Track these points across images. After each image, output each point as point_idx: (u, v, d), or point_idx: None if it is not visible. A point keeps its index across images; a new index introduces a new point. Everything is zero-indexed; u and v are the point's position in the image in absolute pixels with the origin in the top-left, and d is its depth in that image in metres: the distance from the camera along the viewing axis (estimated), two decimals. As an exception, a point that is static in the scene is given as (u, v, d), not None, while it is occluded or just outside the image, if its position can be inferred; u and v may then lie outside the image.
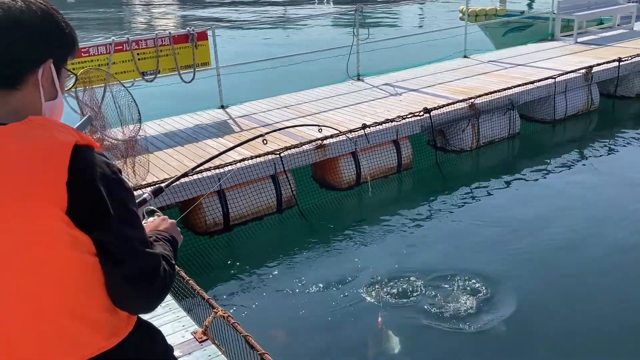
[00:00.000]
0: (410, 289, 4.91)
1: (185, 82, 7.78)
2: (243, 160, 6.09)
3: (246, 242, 6.07)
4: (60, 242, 1.34)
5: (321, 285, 5.08)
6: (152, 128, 7.52)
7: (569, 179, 7.25)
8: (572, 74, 8.99)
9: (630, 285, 4.93)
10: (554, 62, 10.02)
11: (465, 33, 10.99)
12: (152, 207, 1.98)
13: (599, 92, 9.55)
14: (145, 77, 7.49)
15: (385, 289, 4.93)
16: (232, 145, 6.63)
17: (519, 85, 8.35)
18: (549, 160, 7.88)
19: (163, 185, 2.38)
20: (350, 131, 6.84)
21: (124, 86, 6.03)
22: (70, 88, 1.48)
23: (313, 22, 21.78)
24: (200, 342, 3.34)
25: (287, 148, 6.37)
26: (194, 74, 7.80)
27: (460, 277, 5.02)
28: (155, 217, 1.88)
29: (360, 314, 4.63)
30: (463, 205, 6.61)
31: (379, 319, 4.41)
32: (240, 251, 5.98)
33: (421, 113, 7.38)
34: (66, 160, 1.33)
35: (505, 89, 8.17)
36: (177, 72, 7.67)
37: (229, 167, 5.97)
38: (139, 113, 5.98)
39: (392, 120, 7.14)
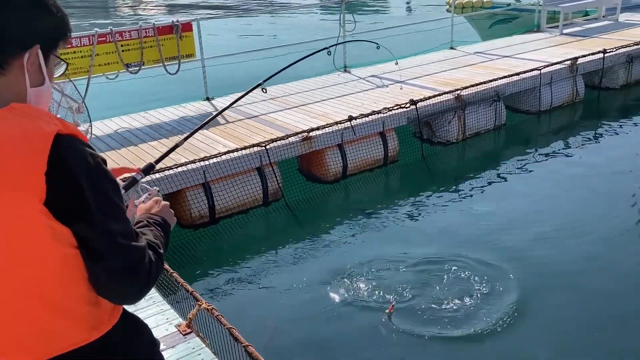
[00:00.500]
0: (397, 281, 4.92)
1: (170, 73, 7.71)
2: (228, 152, 6.06)
3: (232, 234, 6.05)
4: (38, 233, 1.31)
5: (306, 277, 5.08)
6: (136, 120, 7.46)
7: (555, 169, 7.29)
8: (558, 65, 9.03)
9: (616, 275, 4.96)
10: (539, 53, 10.05)
11: (452, 24, 10.99)
12: (146, 186, 1.92)
13: (584, 83, 9.60)
14: (130, 69, 7.41)
15: (370, 282, 4.93)
16: (219, 138, 6.63)
17: (505, 77, 8.37)
18: (534, 151, 7.92)
19: (153, 162, 2.26)
20: (336, 123, 6.82)
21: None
22: (61, 75, 1.45)
23: (299, 13, 21.71)
24: (184, 335, 3.33)
25: (272, 140, 6.34)
26: (179, 66, 7.73)
27: (448, 269, 5.04)
28: (147, 196, 1.82)
29: (344, 306, 4.63)
30: (449, 198, 6.63)
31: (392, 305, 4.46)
32: (225, 244, 5.96)
33: (407, 105, 7.37)
34: (46, 150, 1.30)
35: (491, 81, 8.19)
36: (161, 64, 7.60)
37: (214, 160, 5.94)
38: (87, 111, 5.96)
39: (378, 112, 7.13)
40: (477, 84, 8.02)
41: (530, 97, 8.93)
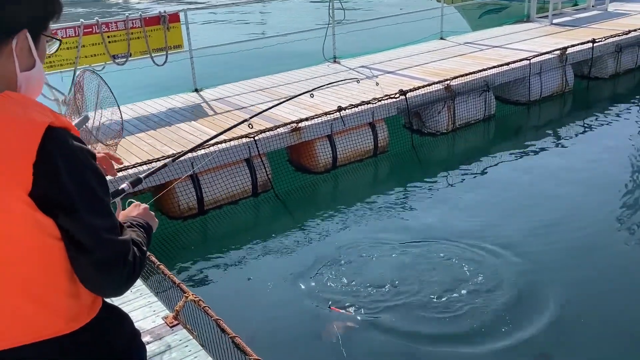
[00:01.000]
0: (386, 271, 4.91)
1: (157, 65, 7.64)
2: (217, 144, 6.01)
3: (221, 225, 6.02)
4: (20, 223, 1.30)
5: (295, 267, 5.06)
6: (124, 112, 7.36)
7: (544, 159, 7.31)
8: (547, 55, 9.03)
9: (608, 262, 4.98)
10: (529, 43, 10.05)
11: (442, 15, 10.96)
12: (130, 199, 1.98)
13: (573, 73, 9.61)
14: (117, 61, 7.33)
15: (359, 271, 4.92)
16: (208, 129, 6.58)
17: (494, 67, 8.36)
18: (524, 141, 7.93)
19: (142, 176, 2.42)
20: (326, 114, 6.79)
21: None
22: (54, 52, 1.44)
23: (288, 3, 21.54)
24: (171, 327, 3.30)
25: (261, 131, 6.30)
26: (167, 57, 7.66)
27: (437, 259, 5.04)
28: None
29: (332, 297, 4.61)
30: (439, 188, 6.63)
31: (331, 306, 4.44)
32: (214, 235, 5.93)
33: (397, 95, 7.35)
34: (36, 141, 1.29)
35: (480, 71, 8.17)
36: (149, 55, 7.53)
37: (203, 151, 5.89)
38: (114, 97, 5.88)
39: (367, 103, 7.10)
40: (466, 74, 8.01)
41: (520, 87, 8.93)
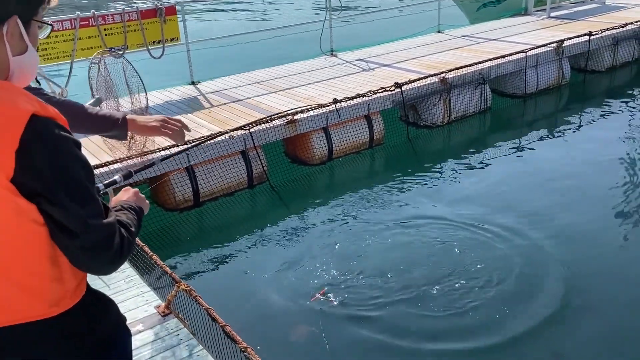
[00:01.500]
0: (381, 262, 4.95)
1: (154, 57, 7.66)
2: (213, 137, 6.04)
3: (216, 217, 6.06)
4: (0, 207, 1.33)
5: (290, 259, 5.10)
6: (121, 105, 7.40)
7: (540, 153, 7.32)
8: (543, 48, 9.04)
9: (605, 253, 5.00)
10: (526, 36, 10.06)
11: (439, 8, 10.96)
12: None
13: (569, 66, 9.62)
14: (113, 53, 7.33)
15: (354, 264, 4.96)
16: (205, 122, 6.61)
17: (490, 60, 8.37)
18: (520, 135, 7.95)
19: (133, 170, 2.59)
20: (321, 106, 6.81)
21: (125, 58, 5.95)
22: (47, 36, 1.47)
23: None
24: (163, 316, 3.35)
25: (256, 123, 6.32)
26: (163, 50, 7.67)
27: (432, 251, 5.08)
28: None
29: (326, 287, 4.65)
30: (435, 180, 6.66)
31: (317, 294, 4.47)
32: (209, 226, 5.97)
33: (392, 88, 7.37)
34: (20, 129, 1.31)
35: (476, 64, 8.19)
36: (145, 48, 7.55)
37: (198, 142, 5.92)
38: (142, 82, 5.94)
39: (363, 95, 7.12)
40: (462, 67, 8.02)
41: (516, 80, 8.95)
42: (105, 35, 7.20)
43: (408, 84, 7.49)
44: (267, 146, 6.62)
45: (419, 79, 7.66)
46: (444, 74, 7.83)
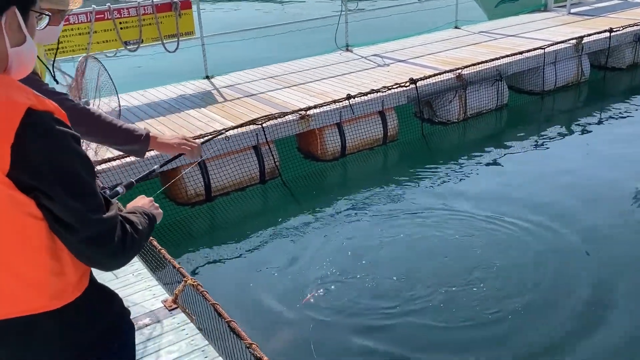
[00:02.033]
0: (393, 261, 4.90)
1: (169, 51, 7.67)
2: (224, 131, 6.02)
3: (227, 212, 6.05)
4: None
5: (301, 256, 5.06)
6: (135, 98, 7.44)
7: (558, 151, 7.19)
8: (562, 44, 8.89)
9: (621, 256, 4.89)
10: (545, 32, 9.91)
11: (457, 3, 10.83)
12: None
13: (589, 63, 9.46)
14: (128, 47, 7.37)
15: (366, 260, 4.92)
16: (218, 117, 6.60)
17: (507, 56, 8.25)
18: (537, 132, 7.83)
19: (134, 180, 2.59)
20: (335, 101, 6.77)
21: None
22: (43, 28, 1.46)
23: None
24: (170, 310, 3.34)
25: (269, 118, 6.30)
26: (178, 44, 7.68)
27: (447, 248, 5.01)
28: None
29: (333, 286, 4.61)
30: (449, 177, 6.58)
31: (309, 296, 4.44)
32: (220, 221, 5.96)
33: (407, 84, 7.29)
34: (15, 123, 1.30)
35: (493, 60, 8.07)
36: (160, 42, 7.55)
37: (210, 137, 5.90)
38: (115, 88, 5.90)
39: (377, 91, 7.06)
40: (478, 63, 7.92)
41: (534, 76, 8.81)
42: (121, 29, 7.22)
43: (423, 80, 7.42)
44: (280, 141, 6.60)
45: (434, 75, 7.57)
46: (460, 70, 7.73)
